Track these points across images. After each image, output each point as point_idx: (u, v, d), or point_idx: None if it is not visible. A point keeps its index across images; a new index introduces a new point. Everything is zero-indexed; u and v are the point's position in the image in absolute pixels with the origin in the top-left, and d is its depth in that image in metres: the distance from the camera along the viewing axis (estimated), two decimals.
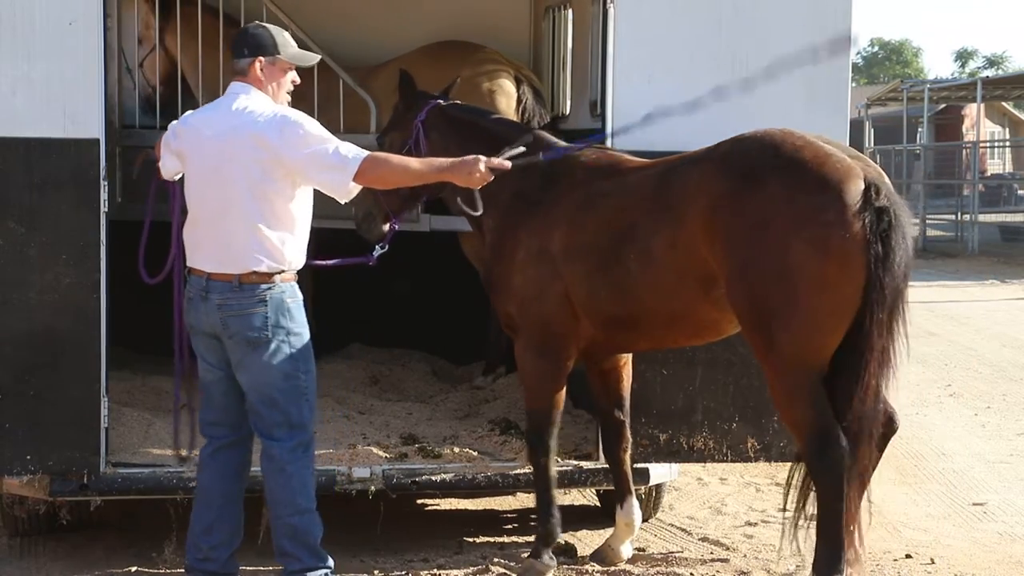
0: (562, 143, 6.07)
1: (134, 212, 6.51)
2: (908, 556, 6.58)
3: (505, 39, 8.49)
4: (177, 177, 5.61)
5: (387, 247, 6.19)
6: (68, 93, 5.91)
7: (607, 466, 6.31)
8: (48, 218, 5.94)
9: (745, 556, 6.62)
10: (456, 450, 6.58)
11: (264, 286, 5.34)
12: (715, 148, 5.45)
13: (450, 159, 5.51)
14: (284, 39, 5.52)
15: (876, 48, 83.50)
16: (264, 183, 5.28)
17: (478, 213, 5.93)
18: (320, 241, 6.26)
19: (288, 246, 5.37)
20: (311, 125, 5.36)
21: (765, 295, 5.18)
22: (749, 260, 5.18)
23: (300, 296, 5.47)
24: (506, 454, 6.60)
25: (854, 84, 35.02)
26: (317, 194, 5.48)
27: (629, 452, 6.20)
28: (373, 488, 6.21)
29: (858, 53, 79.31)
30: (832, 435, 5.20)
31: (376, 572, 6.17)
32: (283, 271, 5.37)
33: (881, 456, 5.45)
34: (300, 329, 5.43)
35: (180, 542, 6.27)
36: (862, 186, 5.12)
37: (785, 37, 6.27)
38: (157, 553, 6.28)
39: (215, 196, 5.34)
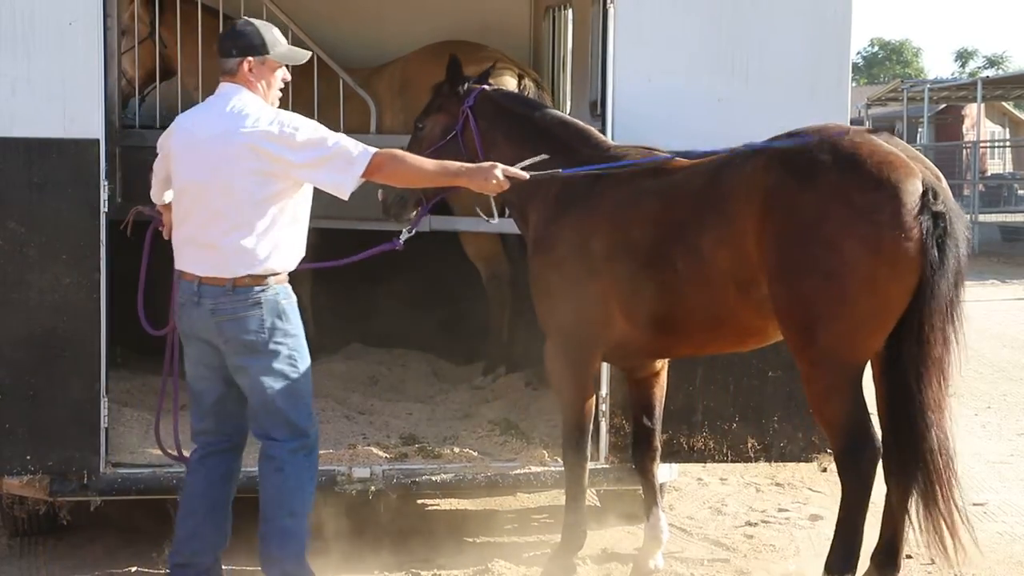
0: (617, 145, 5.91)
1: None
2: (908, 556, 6.55)
3: (505, 39, 8.49)
4: (167, 200, 5.52)
5: (414, 231, 6.09)
6: (68, 93, 5.90)
7: (607, 466, 6.31)
8: (48, 218, 5.93)
9: (745, 556, 6.62)
10: (456, 450, 6.57)
11: (258, 288, 5.23)
12: (769, 143, 5.36)
13: (467, 164, 5.47)
14: (273, 37, 5.39)
15: (876, 48, 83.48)
16: (262, 188, 5.16)
17: (495, 221, 5.96)
18: (323, 241, 6.26)
19: (283, 249, 5.27)
20: (308, 126, 5.24)
21: (813, 293, 5.10)
22: (799, 257, 5.10)
23: (294, 297, 5.37)
24: (506, 454, 6.59)
25: (854, 84, 35.03)
26: (323, 194, 5.39)
27: (657, 462, 6.09)
28: (373, 488, 6.21)
29: (858, 53, 79.47)
30: (865, 433, 5.15)
31: (376, 572, 6.17)
32: (277, 273, 5.28)
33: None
34: (296, 330, 5.34)
35: None
36: (920, 188, 5.07)
37: (786, 37, 6.27)
38: (157, 553, 6.25)
39: (208, 200, 5.22)
